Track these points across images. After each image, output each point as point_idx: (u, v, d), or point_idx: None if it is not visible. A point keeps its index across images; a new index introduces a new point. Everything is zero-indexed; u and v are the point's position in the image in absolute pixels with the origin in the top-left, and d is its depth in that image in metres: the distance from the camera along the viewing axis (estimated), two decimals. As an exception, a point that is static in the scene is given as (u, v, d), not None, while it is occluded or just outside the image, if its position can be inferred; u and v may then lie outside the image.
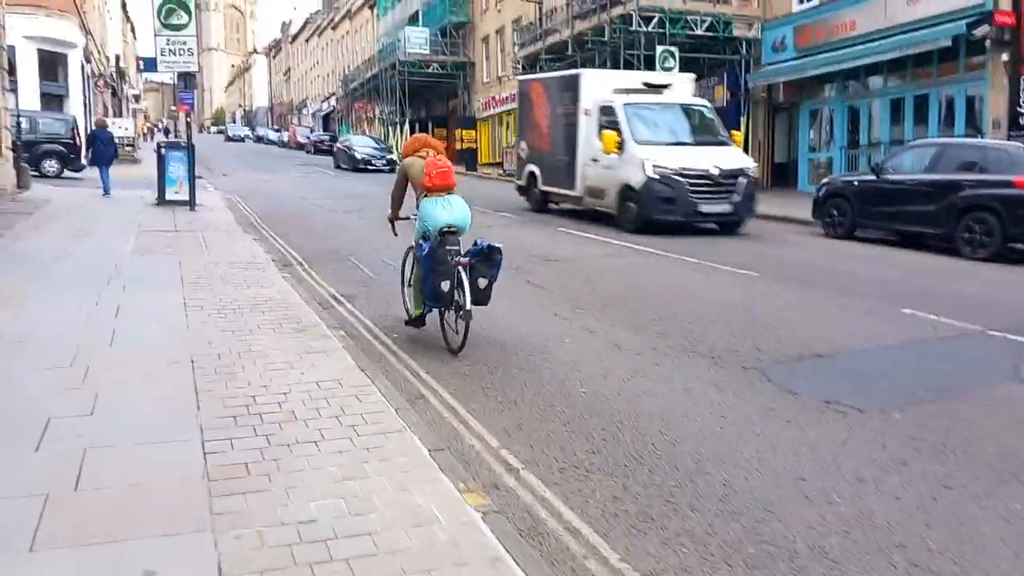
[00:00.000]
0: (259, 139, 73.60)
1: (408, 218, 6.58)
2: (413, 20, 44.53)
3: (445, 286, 5.96)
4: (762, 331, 6.78)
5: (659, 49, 21.01)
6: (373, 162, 32.90)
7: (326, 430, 4.21)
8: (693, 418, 4.78)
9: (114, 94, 48.32)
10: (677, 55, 21.37)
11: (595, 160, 14.42)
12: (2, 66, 16.40)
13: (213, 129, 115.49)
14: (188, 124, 17.67)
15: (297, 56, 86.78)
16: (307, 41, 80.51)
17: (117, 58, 50.75)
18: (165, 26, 14.67)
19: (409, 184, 6.45)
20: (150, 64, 16.70)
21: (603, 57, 24.27)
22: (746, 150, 17.08)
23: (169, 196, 15.45)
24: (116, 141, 20.56)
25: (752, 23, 22.93)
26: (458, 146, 38.91)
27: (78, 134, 23.27)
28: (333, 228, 13.67)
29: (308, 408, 4.53)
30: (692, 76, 17.04)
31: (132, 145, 35.64)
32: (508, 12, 36.82)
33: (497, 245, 6.06)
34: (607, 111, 14.26)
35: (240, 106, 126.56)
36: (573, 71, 16.79)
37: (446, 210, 6.15)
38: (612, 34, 23.28)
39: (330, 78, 67.87)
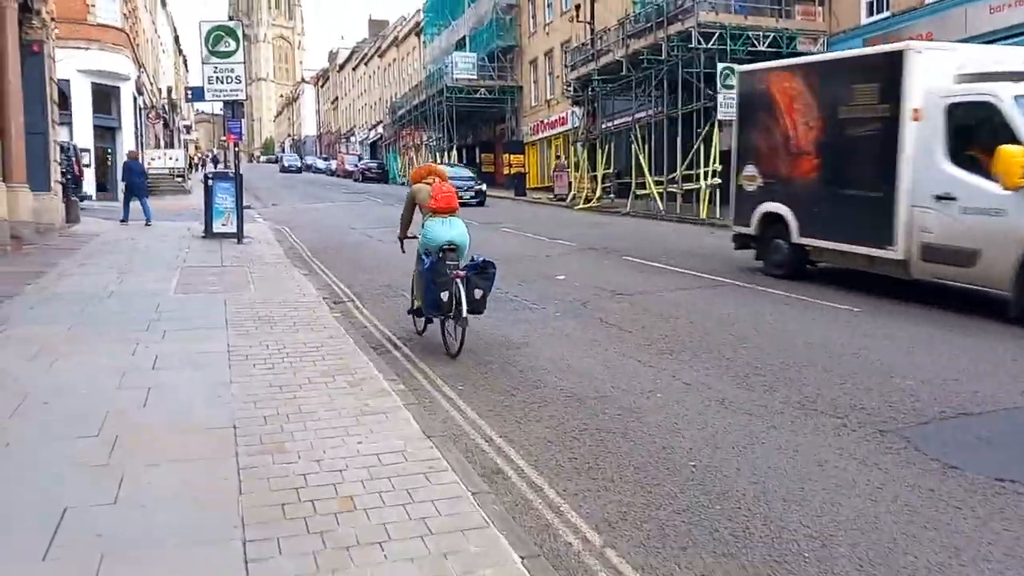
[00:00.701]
0: (307, 167, 74.00)
1: (416, 237, 7.28)
2: (460, 46, 44.36)
3: (444, 296, 6.61)
4: (887, 381, 5.82)
5: (720, 67, 20.04)
6: (460, 195, 31.56)
7: (392, 525, 3.46)
8: (838, 503, 3.88)
9: (166, 125, 49.04)
10: (738, 73, 20.42)
11: (944, 198, 8.58)
12: (52, 99, 16.24)
13: (263, 159, 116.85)
14: (236, 154, 17.32)
15: (345, 85, 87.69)
16: (354, 70, 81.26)
17: (169, 90, 51.64)
18: (213, 53, 14.40)
19: (417, 207, 7.29)
20: (198, 94, 16.40)
21: (659, 76, 23.46)
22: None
23: (216, 228, 15.05)
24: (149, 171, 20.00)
25: (818, 37, 21.97)
26: (506, 171, 38.42)
27: (78, 162, 22.18)
28: (384, 260, 13.00)
29: (369, 492, 3.80)
30: None
31: (182, 176, 35.85)
32: (557, 34, 36.30)
33: (491, 260, 6.84)
34: (971, 111, 8.60)
35: (289, 135, 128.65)
36: (885, 47, 10.34)
37: (447, 229, 6.88)
38: (670, 52, 22.46)
39: (377, 106, 68.20)
